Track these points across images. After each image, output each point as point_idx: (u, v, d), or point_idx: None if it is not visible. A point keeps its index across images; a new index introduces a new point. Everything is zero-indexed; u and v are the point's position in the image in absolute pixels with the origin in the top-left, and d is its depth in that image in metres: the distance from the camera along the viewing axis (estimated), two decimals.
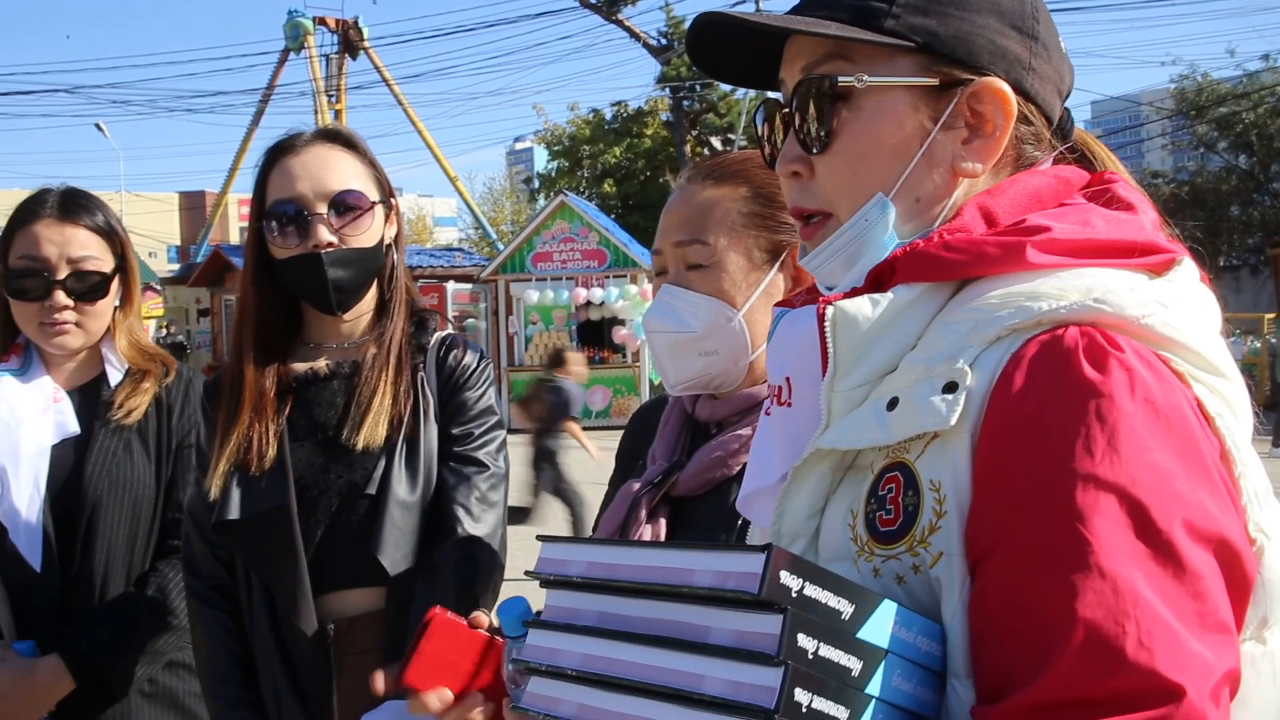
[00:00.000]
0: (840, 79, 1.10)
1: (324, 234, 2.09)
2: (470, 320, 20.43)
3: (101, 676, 2.34)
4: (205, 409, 2.25)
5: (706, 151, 31.58)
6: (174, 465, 2.48)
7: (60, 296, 2.40)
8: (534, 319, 19.61)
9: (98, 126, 49.49)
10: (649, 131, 32.71)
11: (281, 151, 2.16)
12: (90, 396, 2.49)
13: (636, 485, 1.80)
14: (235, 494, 2.09)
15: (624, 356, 19.43)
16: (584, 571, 0.97)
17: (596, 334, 19.69)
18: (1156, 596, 0.86)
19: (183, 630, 2.40)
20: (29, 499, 2.35)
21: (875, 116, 1.10)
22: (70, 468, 2.41)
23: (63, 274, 2.40)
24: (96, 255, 2.45)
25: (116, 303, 2.52)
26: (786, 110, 1.16)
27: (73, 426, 2.43)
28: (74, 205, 2.45)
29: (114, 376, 2.50)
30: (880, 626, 0.90)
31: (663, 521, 1.76)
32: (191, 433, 2.48)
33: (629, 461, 2.01)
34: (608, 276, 19.20)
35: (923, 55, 1.10)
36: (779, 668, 0.81)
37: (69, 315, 2.42)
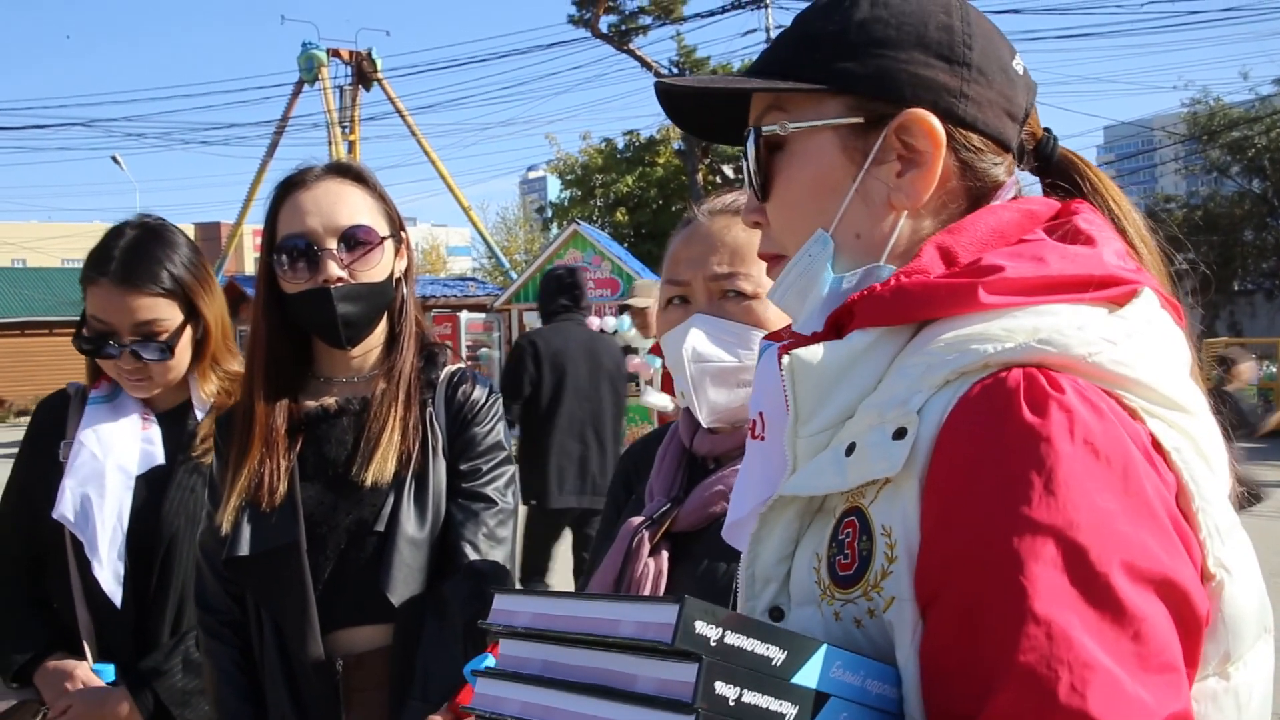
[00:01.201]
0: (766, 129, 1.15)
1: (333, 269, 2.10)
2: (484, 350, 20.43)
3: (169, 713, 2.38)
4: (218, 444, 2.26)
5: (718, 179, 31.64)
6: None
7: (128, 359, 2.44)
8: None
9: (114, 159, 49.86)
10: (661, 160, 32.79)
11: (292, 186, 2.17)
12: (176, 425, 2.54)
13: (637, 521, 1.79)
14: (246, 530, 2.10)
15: (637, 385, 19.40)
16: (529, 622, 1.01)
17: None
18: (1093, 640, 0.86)
19: None
20: (112, 531, 2.40)
21: (805, 160, 1.14)
22: (148, 501, 2.45)
23: (128, 339, 2.43)
24: (162, 317, 2.46)
25: (196, 340, 2.53)
26: (746, 163, 1.20)
27: (159, 457, 2.49)
28: (136, 269, 2.43)
29: (199, 411, 2.53)
30: (816, 671, 0.91)
31: (664, 556, 1.76)
32: None
33: (621, 495, 2.01)
34: (620, 305, 19.20)
35: (849, 96, 1.12)
36: (691, 715, 0.84)
37: (140, 374, 2.46)
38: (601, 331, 18.72)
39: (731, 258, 1.78)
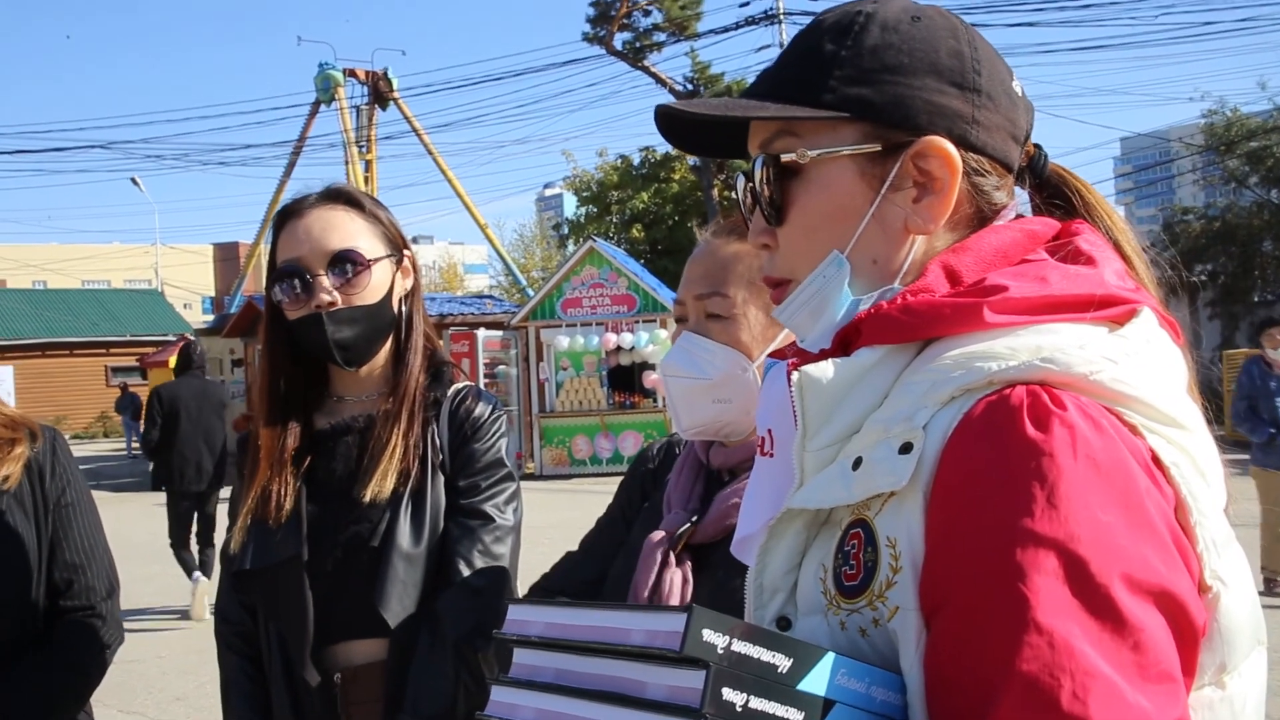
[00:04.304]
0: (784, 156, 1.16)
1: (324, 294, 2.16)
2: (501, 367, 20.48)
3: None
4: (239, 463, 2.33)
5: (733, 195, 31.63)
6: (54, 527, 2.38)
7: None
8: (564, 365, 19.63)
9: (133, 181, 50.23)
10: (676, 176, 32.88)
11: (288, 215, 2.24)
12: None
13: (658, 536, 1.85)
14: (252, 546, 2.17)
15: (654, 401, 19.41)
16: (542, 631, 1.03)
17: (627, 379, 19.71)
18: (1093, 649, 0.87)
19: (90, 690, 2.36)
20: None
21: (823, 187, 1.15)
22: None
23: None
24: None
25: None
26: (751, 185, 1.20)
27: None
28: None
29: None
30: (823, 678, 0.93)
31: (688, 566, 1.82)
32: (67, 491, 2.40)
33: (636, 497, 2.08)
34: (637, 321, 19.24)
35: (864, 123, 1.13)
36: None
37: None
38: (618, 348, 18.85)
39: (712, 278, 1.85)
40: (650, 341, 18.84)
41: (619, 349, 19.21)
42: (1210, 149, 32.60)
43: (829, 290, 1.15)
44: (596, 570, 2.02)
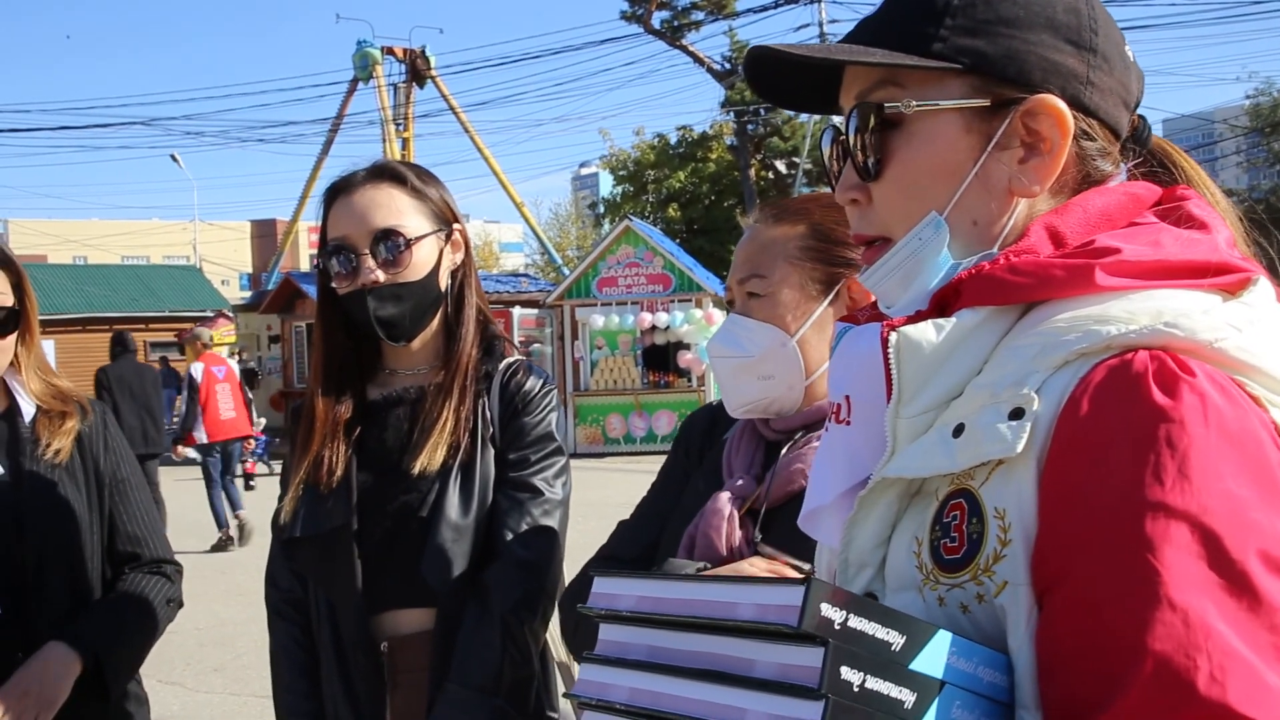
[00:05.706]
0: (888, 105, 1.09)
1: (368, 272, 2.18)
2: (536, 345, 20.50)
3: (101, 667, 2.26)
4: (291, 431, 2.37)
5: (770, 175, 31.54)
6: (111, 501, 2.44)
7: None
8: (599, 344, 19.63)
9: (173, 157, 50.61)
10: (713, 156, 32.76)
11: (337, 191, 2.26)
12: (1, 431, 2.37)
13: (725, 494, 1.88)
14: (303, 513, 2.20)
15: (689, 381, 19.39)
16: (633, 606, 0.97)
17: (661, 358, 19.68)
18: (1230, 629, 0.83)
19: (156, 632, 2.44)
20: None
21: (926, 141, 1.09)
22: (5, 506, 2.28)
23: None
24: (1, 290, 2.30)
25: (21, 335, 2.37)
26: (844, 137, 1.15)
27: None
28: None
29: (26, 410, 2.38)
30: (935, 657, 0.88)
31: (752, 529, 1.85)
32: (121, 466, 2.48)
33: (694, 458, 2.10)
34: (672, 301, 19.19)
35: (974, 76, 1.07)
36: (820, 701, 0.80)
37: None
38: (653, 328, 18.84)
39: (752, 262, 1.91)
40: (685, 321, 18.80)
41: (654, 328, 19.18)
42: (1255, 130, 32.15)
43: (925, 254, 1.09)
44: (656, 531, 2.02)
